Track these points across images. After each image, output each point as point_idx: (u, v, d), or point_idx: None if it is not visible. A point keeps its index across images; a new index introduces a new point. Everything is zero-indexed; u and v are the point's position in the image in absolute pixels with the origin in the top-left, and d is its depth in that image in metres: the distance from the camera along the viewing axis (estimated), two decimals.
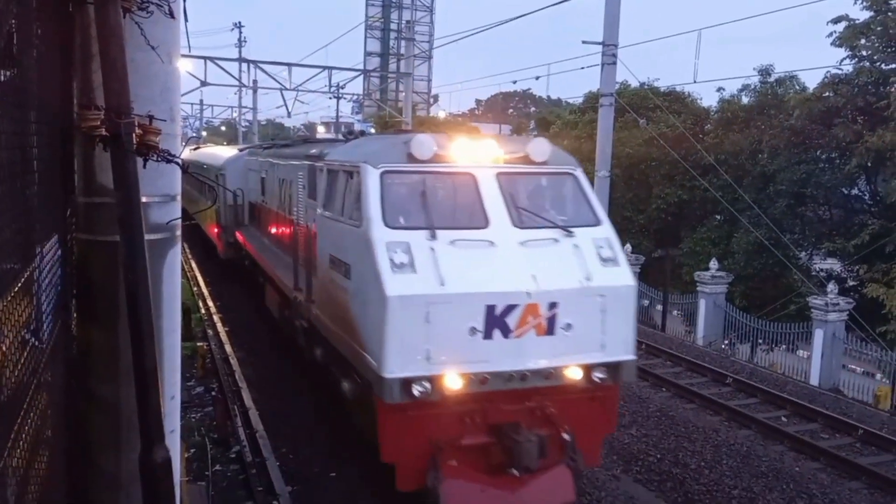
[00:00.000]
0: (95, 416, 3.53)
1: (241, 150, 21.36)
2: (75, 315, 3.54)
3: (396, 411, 7.14)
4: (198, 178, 24.87)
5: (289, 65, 33.38)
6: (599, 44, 20.59)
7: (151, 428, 3.24)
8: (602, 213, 8.44)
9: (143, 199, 3.24)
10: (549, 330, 7.39)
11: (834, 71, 26.57)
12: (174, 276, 3.79)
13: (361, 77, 49.29)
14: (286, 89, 34.47)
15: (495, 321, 7.17)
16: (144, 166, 3.17)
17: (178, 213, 3.71)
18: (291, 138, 23.74)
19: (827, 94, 26.47)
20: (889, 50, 25.20)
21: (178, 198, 3.72)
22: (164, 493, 3.28)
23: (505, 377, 7.26)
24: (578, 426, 7.69)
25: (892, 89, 24.04)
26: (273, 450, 9.78)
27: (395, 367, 6.96)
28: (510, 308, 7.19)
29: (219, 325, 17.07)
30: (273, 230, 14.94)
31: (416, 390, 6.96)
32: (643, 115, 29.46)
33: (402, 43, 45.76)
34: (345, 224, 8.28)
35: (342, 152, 9.44)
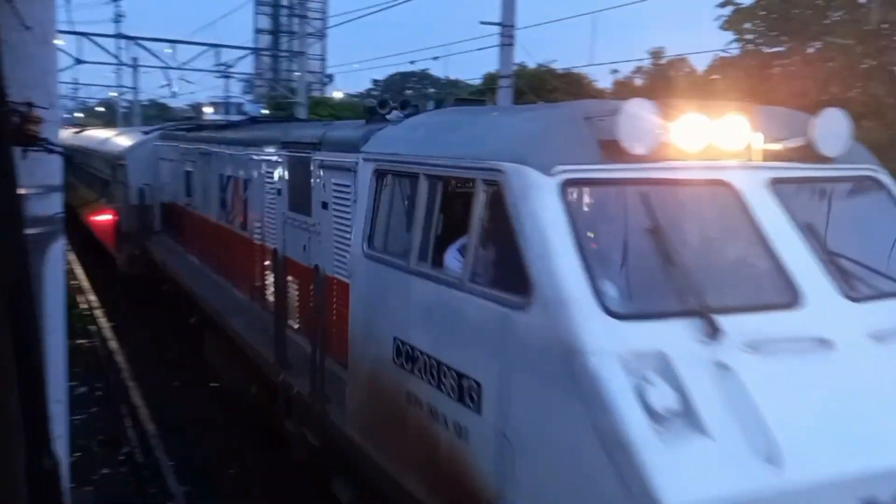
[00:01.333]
0: None
1: (146, 134, 17.15)
2: None
3: None
4: (86, 169, 21.18)
5: (172, 42, 32.07)
6: (497, 24, 20.79)
7: (38, 434, 3.08)
8: None
9: (22, 191, 3.02)
10: None
11: (722, 54, 28.03)
12: (57, 272, 3.57)
13: (252, 56, 47.91)
14: (169, 68, 33.12)
15: None
16: (24, 157, 2.95)
17: (61, 206, 3.49)
18: (244, 118, 19.59)
19: (715, 76, 27.88)
20: (771, 34, 26.76)
21: (61, 188, 3.48)
22: (52, 502, 3.13)
23: None
24: None
25: (775, 72, 25.57)
26: (167, 449, 9.44)
27: None
28: None
29: (102, 321, 16.11)
30: (213, 250, 11.19)
31: None
32: (541, 97, 30.06)
33: (295, 20, 44.82)
34: (458, 293, 4.37)
35: (411, 136, 5.50)
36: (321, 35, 61.27)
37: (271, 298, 7.93)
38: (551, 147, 4.16)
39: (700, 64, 34.55)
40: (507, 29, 20.49)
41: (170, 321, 13.72)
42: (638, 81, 33.71)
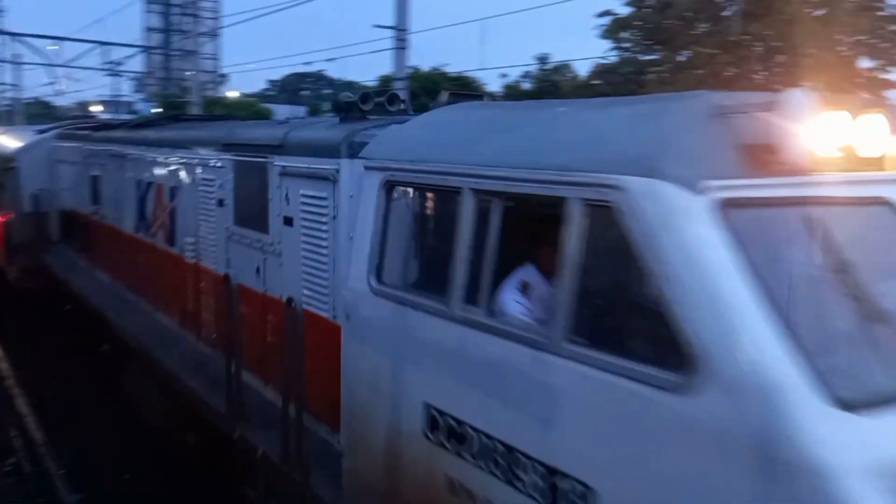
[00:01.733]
0: None
1: (41, 133, 15.73)
2: None
3: None
4: None
5: (58, 38, 30.75)
6: (391, 28, 21.03)
7: None
8: None
9: None
10: None
11: (602, 61, 29.30)
12: None
13: (142, 54, 46.36)
14: (54, 66, 31.73)
15: None
16: None
17: None
18: (147, 116, 17.46)
19: (596, 82, 29.11)
20: (646, 42, 28.19)
21: None
22: None
23: None
24: None
25: (649, 78, 26.94)
26: (58, 457, 9.14)
27: None
28: None
29: None
30: (129, 267, 9.89)
31: None
32: (434, 99, 30.51)
33: (187, 19, 43.75)
34: (545, 355, 3.20)
35: (438, 138, 4.35)
36: (214, 34, 59.80)
37: (209, 327, 6.96)
38: (690, 154, 2.96)
39: (583, 70, 36.06)
40: (400, 32, 20.79)
41: (65, 329, 13.05)
42: (525, 85, 34.88)
